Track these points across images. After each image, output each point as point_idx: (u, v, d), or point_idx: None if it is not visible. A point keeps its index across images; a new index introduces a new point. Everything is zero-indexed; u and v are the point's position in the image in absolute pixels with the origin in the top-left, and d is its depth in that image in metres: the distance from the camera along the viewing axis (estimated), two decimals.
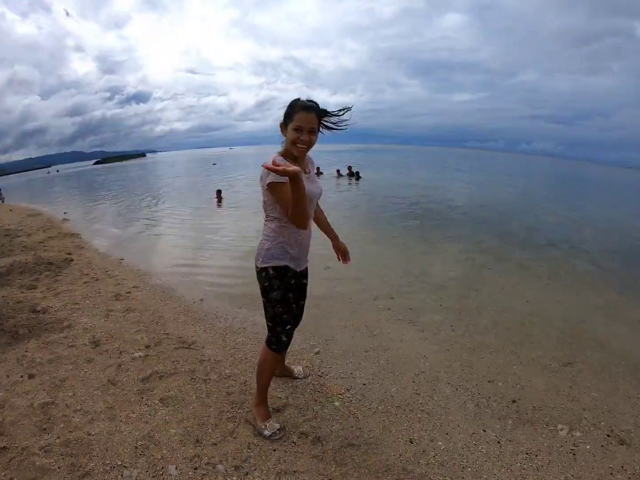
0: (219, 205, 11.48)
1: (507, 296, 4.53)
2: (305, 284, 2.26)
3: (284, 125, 1.89)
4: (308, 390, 2.64)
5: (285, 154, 1.90)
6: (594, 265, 5.90)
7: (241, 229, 8.20)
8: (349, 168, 17.58)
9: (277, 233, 1.95)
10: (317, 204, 2.19)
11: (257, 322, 3.63)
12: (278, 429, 2.14)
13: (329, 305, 4.12)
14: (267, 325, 2.09)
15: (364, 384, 2.73)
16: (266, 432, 2.12)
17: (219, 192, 12.02)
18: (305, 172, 1.94)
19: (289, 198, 1.63)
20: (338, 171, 17.53)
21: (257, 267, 2.02)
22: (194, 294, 4.48)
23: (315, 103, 1.90)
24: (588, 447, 2.15)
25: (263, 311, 2.10)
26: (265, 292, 2.01)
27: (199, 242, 7.44)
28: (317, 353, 3.13)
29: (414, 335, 3.49)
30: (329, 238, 2.39)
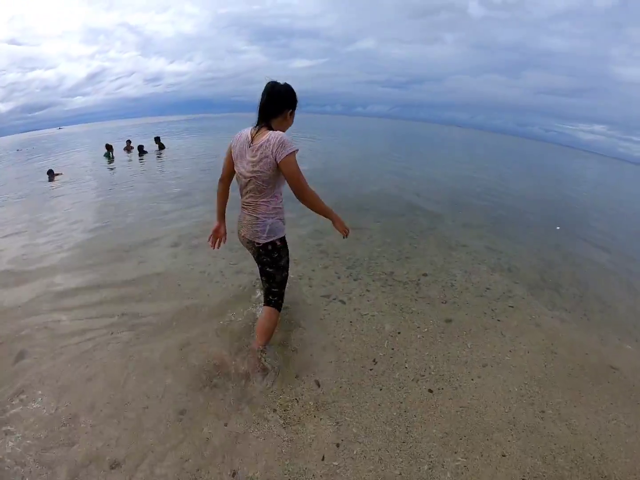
0: None
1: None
2: None
3: (291, 112, 2.07)
4: None
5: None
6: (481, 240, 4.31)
7: None
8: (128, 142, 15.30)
9: (278, 209, 2.13)
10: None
11: None
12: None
13: None
14: (275, 292, 2.27)
15: None
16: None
17: None
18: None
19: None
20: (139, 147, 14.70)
21: (259, 243, 2.14)
22: None
23: None
24: None
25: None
26: (275, 262, 2.20)
27: None
28: None
29: None
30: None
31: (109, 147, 13.03)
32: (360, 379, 2.27)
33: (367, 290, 3.25)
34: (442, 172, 11.31)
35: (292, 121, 2.10)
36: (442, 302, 3.20)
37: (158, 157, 13.03)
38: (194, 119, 68.82)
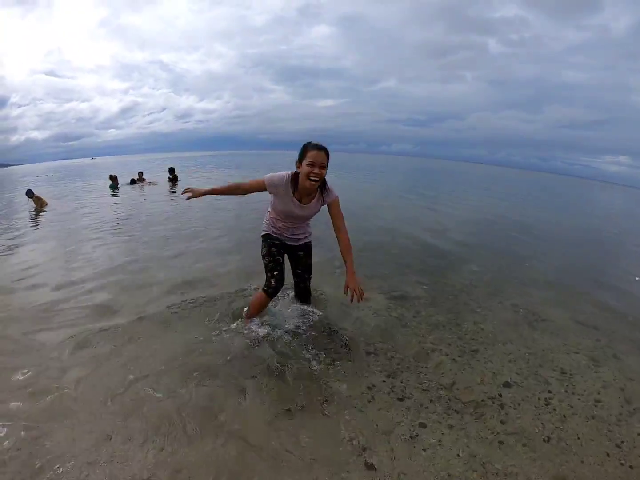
0: None
1: None
2: (301, 256, 2.84)
3: (298, 162, 2.38)
4: None
5: (296, 180, 2.42)
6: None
7: None
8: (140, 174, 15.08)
9: (267, 215, 2.78)
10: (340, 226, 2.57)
11: None
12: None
13: None
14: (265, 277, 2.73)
15: None
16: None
17: None
18: (302, 203, 2.50)
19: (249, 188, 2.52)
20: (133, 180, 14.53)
21: None
22: None
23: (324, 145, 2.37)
24: None
25: None
26: (261, 250, 2.75)
27: None
28: None
29: None
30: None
31: (113, 178, 12.58)
32: None
33: (421, 427, 1.91)
34: (479, 212, 9.97)
35: (303, 169, 2.33)
36: (544, 441, 1.93)
37: (171, 190, 12.31)
38: (220, 155, 69.50)
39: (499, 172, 54.03)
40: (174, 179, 13.57)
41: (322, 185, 2.45)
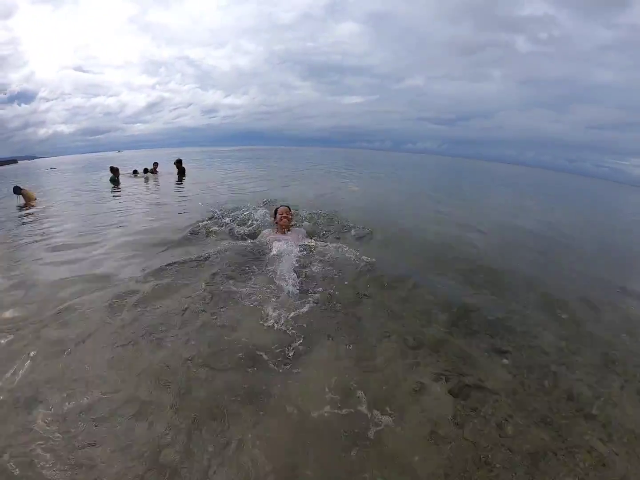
0: None
1: None
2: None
3: (273, 218, 4.40)
4: None
5: (275, 228, 4.31)
6: None
7: None
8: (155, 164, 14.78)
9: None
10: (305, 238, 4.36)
11: None
12: None
13: None
14: None
15: None
16: None
17: None
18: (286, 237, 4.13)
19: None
20: (135, 172, 14.08)
21: None
22: None
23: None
24: None
25: None
26: None
27: None
28: None
29: None
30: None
31: (114, 171, 11.44)
32: None
33: None
34: (539, 222, 7.93)
35: (277, 220, 4.27)
36: None
37: (178, 184, 11.17)
38: (245, 149, 67.07)
39: (530, 173, 49.80)
40: (181, 172, 12.43)
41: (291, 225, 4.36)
